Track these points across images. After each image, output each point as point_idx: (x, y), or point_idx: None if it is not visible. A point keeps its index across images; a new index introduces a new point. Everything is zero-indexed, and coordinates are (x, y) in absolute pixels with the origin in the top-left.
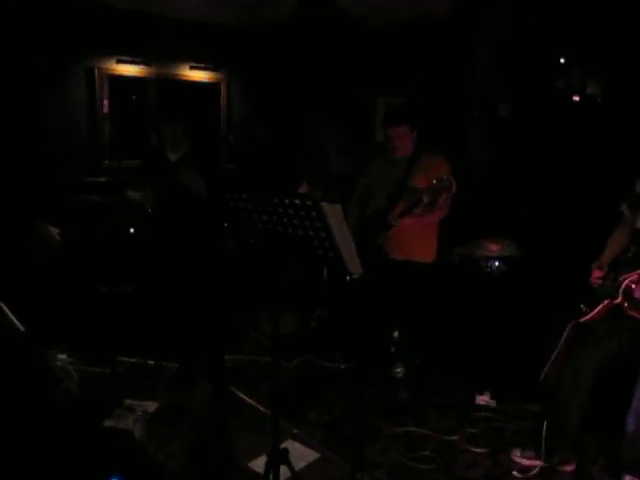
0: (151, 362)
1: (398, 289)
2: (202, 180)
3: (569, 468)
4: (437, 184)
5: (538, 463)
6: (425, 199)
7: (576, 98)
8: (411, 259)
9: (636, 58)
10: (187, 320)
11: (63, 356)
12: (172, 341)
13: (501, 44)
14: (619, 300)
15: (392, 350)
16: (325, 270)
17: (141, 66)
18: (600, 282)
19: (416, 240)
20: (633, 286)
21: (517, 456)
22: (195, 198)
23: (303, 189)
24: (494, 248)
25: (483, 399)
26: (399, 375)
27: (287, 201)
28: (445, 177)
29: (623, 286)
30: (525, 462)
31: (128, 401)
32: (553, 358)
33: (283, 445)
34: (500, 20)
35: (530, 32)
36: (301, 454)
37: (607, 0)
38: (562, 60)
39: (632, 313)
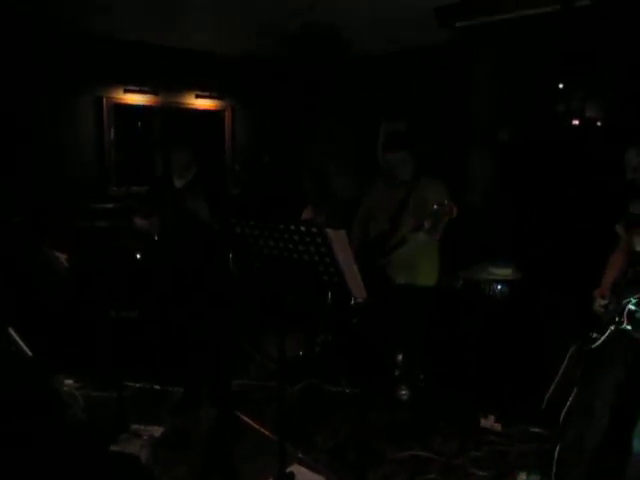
0: (157, 387)
1: (402, 313)
2: (208, 206)
3: None
4: (439, 209)
5: None
6: (427, 224)
7: (576, 122)
8: (414, 283)
9: (635, 82)
10: (192, 344)
11: (70, 381)
12: (178, 365)
13: (500, 69)
14: (624, 325)
15: (396, 373)
16: (329, 294)
17: (148, 95)
18: (604, 309)
19: (418, 263)
20: (634, 308)
21: (523, 479)
22: (201, 224)
23: (308, 213)
24: (497, 271)
25: (487, 422)
26: (404, 398)
27: (293, 227)
28: (446, 201)
29: (627, 310)
30: None
31: (135, 426)
32: (555, 383)
33: (289, 469)
34: (499, 46)
35: (530, 57)
36: (306, 479)
37: (606, 25)
38: (561, 86)
39: (637, 335)
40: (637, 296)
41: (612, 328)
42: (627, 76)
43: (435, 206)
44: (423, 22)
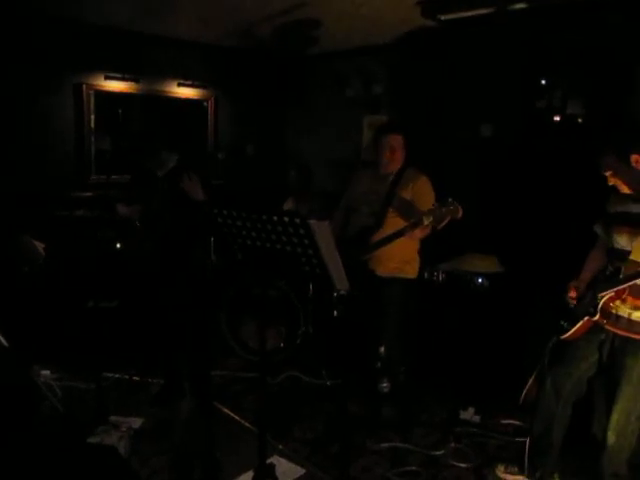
0: (136, 378)
1: (384, 305)
2: (201, 188)
3: None
4: (443, 210)
5: (521, 479)
6: (425, 221)
7: (557, 118)
8: (396, 275)
9: (615, 79)
10: (173, 335)
11: (47, 372)
12: (158, 356)
13: (483, 64)
14: (597, 318)
15: (378, 366)
16: (310, 286)
17: (129, 82)
18: (574, 301)
19: (401, 257)
20: (611, 304)
21: (501, 472)
22: (195, 204)
23: (289, 204)
24: (478, 264)
25: (467, 414)
26: (385, 390)
27: (275, 218)
28: (450, 199)
29: (601, 304)
30: (509, 478)
31: (113, 417)
32: (533, 378)
33: (269, 461)
34: (482, 41)
35: (511, 54)
36: (287, 470)
37: (586, 23)
38: (543, 82)
39: (610, 328)
40: (612, 290)
41: (584, 319)
42: (607, 73)
43: (434, 204)
44: (407, 15)
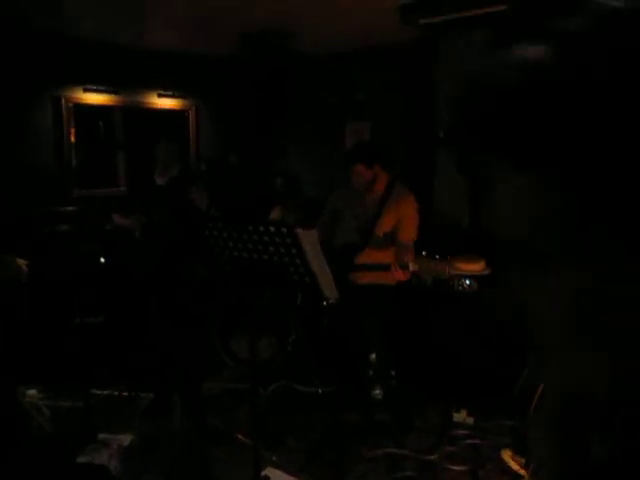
0: (125, 393)
1: (367, 314)
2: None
3: None
4: (432, 265)
5: (524, 471)
6: (412, 267)
7: None
8: (378, 282)
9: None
10: (162, 348)
11: (33, 391)
12: (147, 371)
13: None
14: None
15: (370, 373)
16: (299, 295)
17: (108, 95)
18: None
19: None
20: None
21: (508, 456)
22: (201, 215)
23: (276, 213)
24: (466, 266)
25: (460, 417)
26: (378, 397)
27: (262, 228)
28: (437, 257)
29: None
30: (513, 465)
31: (102, 435)
32: (526, 372)
33: (263, 473)
34: (462, 45)
35: (492, 55)
36: None
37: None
38: None
39: None
40: None
41: None
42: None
43: (426, 256)
44: (387, 20)
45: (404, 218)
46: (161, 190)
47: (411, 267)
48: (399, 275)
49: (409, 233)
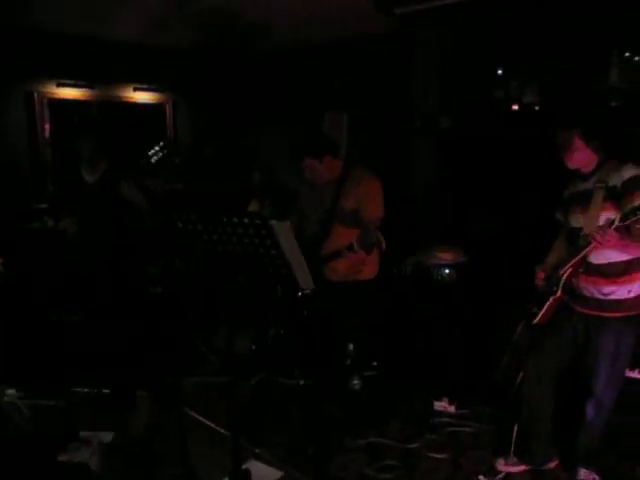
0: (106, 391)
1: (342, 312)
2: (142, 193)
3: (553, 465)
4: (367, 237)
5: (523, 468)
6: (356, 246)
7: (515, 107)
8: (352, 278)
9: (569, 67)
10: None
11: (12, 391)
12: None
13: (440, 56)
14: (559, 294)
15: (347, 363)
16: (279, 287)
17: (83, 89)
18: (543, 283)
19: (354, 261)
20: (572, 280)
21: (502, 465)
22: (136, 210)
23: (253, 206)
24: (444, 256)
25: (441, 405)
26: (356, 387)
27: (235, 220)
28: (372, 227)
29: (563, 280)
30: (512, 469)
31: (84, 433)
32: (506, 357)
33: (245, 466)
34: (438, 32)
35: (468, 45)
36: (264, 474)
37: (542, 13)
38: (500, 72)
39: (579, 309)
40: (570, 264)
41: (551, 299)
42: (562, 60)
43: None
44: (362, 10)
45: (365, 200)
46: (91, 188)
47: (356, 247)
48: (357, 255)
49: (373, 210)
